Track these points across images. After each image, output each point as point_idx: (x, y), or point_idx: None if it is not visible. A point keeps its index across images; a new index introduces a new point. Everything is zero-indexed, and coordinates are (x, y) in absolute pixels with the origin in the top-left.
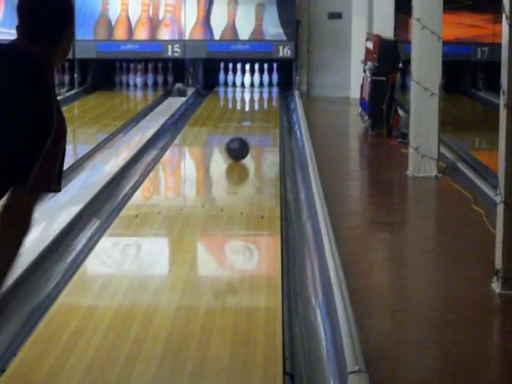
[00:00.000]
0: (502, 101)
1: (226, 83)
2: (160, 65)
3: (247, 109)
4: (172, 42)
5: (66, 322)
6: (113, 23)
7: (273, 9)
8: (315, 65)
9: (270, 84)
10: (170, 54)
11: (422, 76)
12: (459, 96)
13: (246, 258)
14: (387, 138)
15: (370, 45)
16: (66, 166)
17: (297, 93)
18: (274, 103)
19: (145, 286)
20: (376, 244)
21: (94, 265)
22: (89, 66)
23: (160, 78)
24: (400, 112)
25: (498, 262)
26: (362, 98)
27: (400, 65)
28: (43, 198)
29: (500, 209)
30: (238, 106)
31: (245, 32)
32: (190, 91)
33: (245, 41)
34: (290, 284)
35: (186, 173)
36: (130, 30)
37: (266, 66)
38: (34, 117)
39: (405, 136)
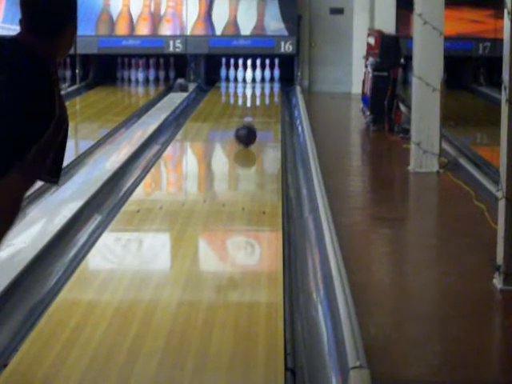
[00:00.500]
0: (503, 96)
1: (227, 78)
2: (162, 60)
3: (249, 104)
4: (174, 37)
5: (68, 318)
6: (114, 19)
7: (274, 4)
8: (317, 60)
9: (272, 79)
10: (171, 49)
11: (424, 71)
12: (461, 91)
13: (247, 254)
14: (389, 134)
15: (372, 40)
16: (67, 160)
17: (298, 88)
18: (276, 99)
19: (146, 282)
20: (377, 239)
21: (95, 260)
22: (90, 62)
23: (161, 74)
24: (401, 107)
25: (500, 258)
26: (363, 94)
27: (402, 60)
28: (43, 194)
29: (501, 204)
30: (240, 102)
31: (246, 27)
32: (192, 87)
33: (246, 36)
34: (292, 279)
35: (187, 168)
36: (132, 26)
37: (267, 61)
38: (34, 106)
39: (406, 131)
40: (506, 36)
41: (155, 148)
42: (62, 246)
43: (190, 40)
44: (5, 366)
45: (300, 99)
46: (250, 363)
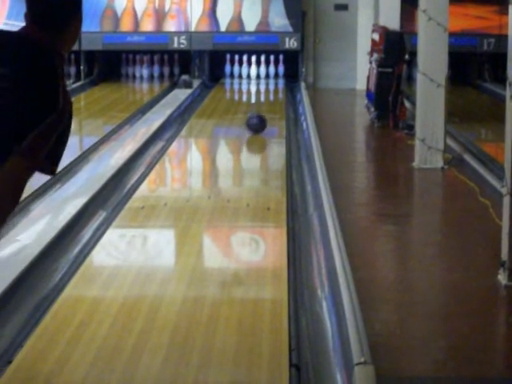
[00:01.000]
0: (508, 92)
1: (232, 75)
2: (166, 56)
3: (253, 100)
4: (178, 33)
5: (73, 314)
6: (119, 15)
7: (279, 0)
8: (321, 56)
9: (276, 76)
10: (175, 45)
11: (429, 67)
12: (465, 87)
13: (252, 250)
14: (393, 130)
15: (376, 36)
16: (72, 157)
17: (303, 84)
18: (280, 95)
19: (151, 278)
20: (382, 236)
21: (100, 257)
22: (95, 58)
23: (166, 70)
24: (406, 103)
25: (504, 254)
26: (368, 90)
27: (406, 56)
28: (47, 190)
29: (506, 200)
30: (244, 98)
31: (251, 23)
32: (196, 83)
33: (251, 32)
34: (296, 276)
35: (192, 164)
36: (136, 22)
37: (272, 57)
38: (37, 96)
39: (411, 128)
40: (510, 32)
41: (160, 144)
42: (66, 242)
43: (194, 36)
44: (9, 362)
45: (304, 95)
46: (254, 359)
